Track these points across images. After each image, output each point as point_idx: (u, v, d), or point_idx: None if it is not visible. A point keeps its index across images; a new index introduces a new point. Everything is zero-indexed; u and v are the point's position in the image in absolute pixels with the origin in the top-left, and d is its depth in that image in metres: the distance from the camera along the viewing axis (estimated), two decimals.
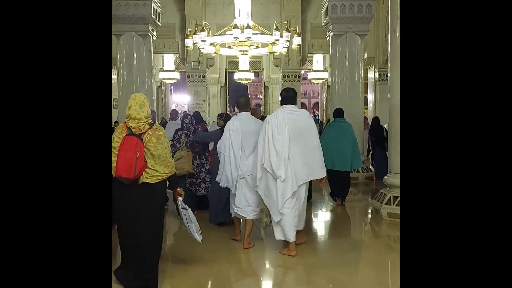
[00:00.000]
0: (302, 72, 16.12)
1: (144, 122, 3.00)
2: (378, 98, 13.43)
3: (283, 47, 10.54)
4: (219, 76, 17.99)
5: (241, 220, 4.52)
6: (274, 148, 3.85)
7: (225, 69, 18.04)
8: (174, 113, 8.97)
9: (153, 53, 15.15)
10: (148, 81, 9.32)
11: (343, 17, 8.61)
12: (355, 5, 8.59)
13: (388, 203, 5.48)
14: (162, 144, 3.01)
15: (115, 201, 2.93)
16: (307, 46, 13.72)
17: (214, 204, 5.26)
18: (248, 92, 33.04)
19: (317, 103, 30.51)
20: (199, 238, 3.40)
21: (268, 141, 3.88)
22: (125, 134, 2.97)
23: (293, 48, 10.96)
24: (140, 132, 2.96)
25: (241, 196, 4.21)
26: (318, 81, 16.65)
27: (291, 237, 4.00)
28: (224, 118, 5.64)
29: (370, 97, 14.40)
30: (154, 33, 9.30)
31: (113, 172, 2.92)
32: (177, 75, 16.47)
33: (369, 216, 6.30)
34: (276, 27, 9.88)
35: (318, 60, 15.83)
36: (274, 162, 3.83)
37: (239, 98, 4.57)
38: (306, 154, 3.95)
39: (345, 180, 6.60)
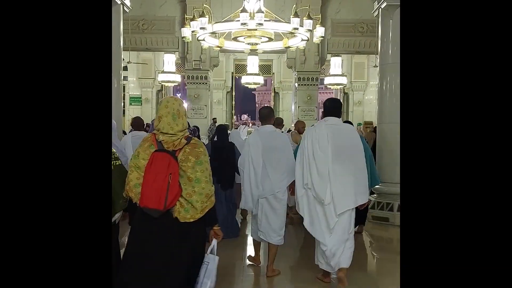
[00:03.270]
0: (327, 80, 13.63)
1: (181, 136, 2.26)
2: None
3: (302, 40, 8.13)
4: (225, 80, 15.69)
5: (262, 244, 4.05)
6: (316, 166, 3.33)
7: (232, 72, 15.76)
8: (137, 122, 5.59)
9: (149, 50, 13.09)
10: (115, 80, 5.95)
11: None
12: None
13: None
14: (201, 164, 2.26)
15: (132, 236, 2.28)
16: (326, 45, 11.28)
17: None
18: (256, 100, 30.49)
19: None
20: None
21: (308, 158, 3.37)
22: (154, 150, 2.23)
23: (314, 41, 8.57)
24: (175, 149, 2.23)
25: (263, 219, 3.76)
26: (335, 87, 14.18)
27: (336, 266, 3.38)
28: (215, 133, 5.19)
29: None
30: (127, 2, 6.42)
31: (134, 199, 2.23)
32: (178, 78, 14.13)
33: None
34: (295, 12, 7.48)
35: (336, 64, 13.36)
36: (316, 183, 3.32)
37: (261, 109, 4.08)
38: (349, 177, 3.34)
39: None
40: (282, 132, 6.34)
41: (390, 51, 6.01)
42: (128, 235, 2.36)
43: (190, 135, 2.35)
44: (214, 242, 2.38)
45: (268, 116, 3.90)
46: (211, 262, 2.31)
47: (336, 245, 3.32)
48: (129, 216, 3.49)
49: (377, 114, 6.23)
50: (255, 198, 3.75)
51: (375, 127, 9.79)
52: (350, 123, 5.54)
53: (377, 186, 5.81)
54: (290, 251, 4.58)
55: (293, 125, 11.81)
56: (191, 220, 2.21)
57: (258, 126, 5.89)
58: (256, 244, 4.02)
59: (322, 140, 3.33)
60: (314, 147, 3.34)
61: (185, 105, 15.67)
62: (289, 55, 11.23)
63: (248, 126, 14.77)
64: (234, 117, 18.22)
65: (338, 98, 16.37)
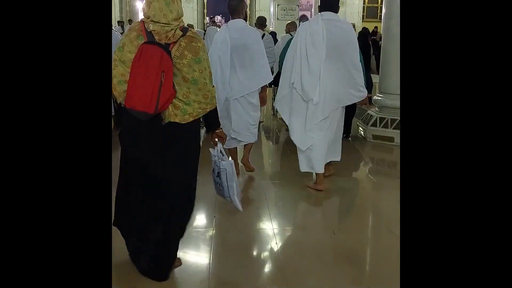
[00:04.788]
0: None
1: (175, 26, 1.86)
2: None
3: None
4: None
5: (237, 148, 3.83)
6: (308, 64, 3.11)
7: None
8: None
9: None
10: None
11: None
12: None
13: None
14: (200, 62, 1.88)
15: (123, 142, 2.00)
16: None
17: None
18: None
19: (304, 16, 24.70)
20: (239, 205, 2.25)
21: (300, 55, 3.13)
22: (143, 41, 1.84)
23: None
24: (168, 42, 1.84)
25: (238, 120, 3.53)
26: None
27: (319, 168, 3.32)
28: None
29: None
30: None
31: (118, 98, 1.94)
32: None
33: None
34: None
35: None
36: (305, 81, 3.12)
37: (230, 1, 3.47)
38: (343, 75, 3.15)
39: None
40: (264, 34, 5.66)
41: None
42: (120, 144, 2.04)
43: (186, 26, 1.95)
44: (219, 145, 2.16)
45: (237, 8, 3.41)
46: (227, 167, 2.15)
47: (320, 145, 3.25)
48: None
49: (384, 9, 5.08)
50: (221, 100, 3.42)
51: (364, 28, 8.77)
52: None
53: (379, 98, 5.05)
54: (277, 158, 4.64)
55: (271, 28, 10.50)
56: (191, 120, 1.93)
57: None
58: (232, 151, 3.74)
59: (316, 36, 3.08)
60: (307, 43, 3.09)
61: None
62: None
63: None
64: (207, 18, 16.48)
65: None
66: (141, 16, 13.98)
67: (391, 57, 4.81)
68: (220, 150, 2.16)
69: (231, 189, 2.18)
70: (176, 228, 2.09)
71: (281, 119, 5.89)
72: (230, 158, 3.76)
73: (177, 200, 2.04)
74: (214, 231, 2.66)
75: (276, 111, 6.38)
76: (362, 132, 5.17)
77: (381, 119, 4.94)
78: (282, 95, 3.29)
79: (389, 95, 4.86)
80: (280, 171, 4.14)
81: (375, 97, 5.14)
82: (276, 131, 5.73)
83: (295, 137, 3.28)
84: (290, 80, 3.17)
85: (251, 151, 3.78)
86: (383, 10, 5.09)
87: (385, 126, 4.88)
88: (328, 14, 3.14)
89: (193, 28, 8.52)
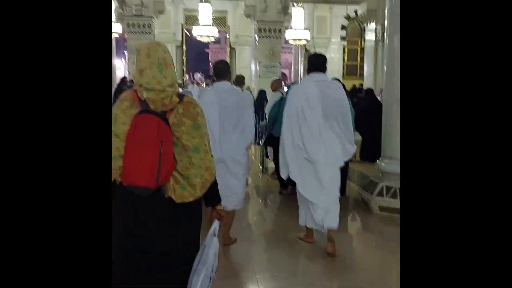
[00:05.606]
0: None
1: (171, 92, 1.74)
2: (381, 67, 9.08)
3: None
4: (174, 33, 13.56)
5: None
6: (307, 125, 3.17)
7: (182, 24, 13.62)
8: None
9: None
10: None
11: None
12: None
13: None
14: (199, 129, 1.77)
15: (117, 223, 1.74)
16: None
17: None
18: (209, 59, 28.21)
19: (283, 73, 24.63)
20: None
21: (297, 116, 3.19)
22: (137, 110, 1.71)
23: None
24: (164, 110, 1.73)
25: (223, 184, 2.94)
26: (297, 42, 12.51)
27: (332, 224, 3.26)
28: None
29: (368, 67, 10.51)
30: None
31: (114, 176, 1.73)
32: (119, 28, 11.89)
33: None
34: None
35: (298, 16, 11.64)
36: (308, 143, 3.18)
37: (216, 63, 3.53)
38: (339, 132, 3.24)
39: None
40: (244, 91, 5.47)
41: None
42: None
43: (182, 92, 1.82)
44: (216, 224, 1.90)
45: (224, 71, 3.42)
46: (208, 245, 1.84)
47: (328, 202, 3.24)
48: None
49: (386, 64, 4.68)
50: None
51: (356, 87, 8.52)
52: (338, 80, 4.57)
53: (385, 165, 4.53)
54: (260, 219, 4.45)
55: (252, 85, 10.18)
56: (190, 199, 1.75)
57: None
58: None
59: (311, 97, 3.16)
60: (304, 105, 3.16)
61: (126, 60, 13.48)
62: (248, 2, 9.43)
63: (200, 85, 12.93)
64: (186, 75, 16.26)
65: (299, 56, 14.78)
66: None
67: (392, 118, 4.35)
68: (215, 228, 1.87)
69: (197, 274, 1.78)
70: None
71: (272, 175, 5.57)
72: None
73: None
74: None
75: (266, 169, 6.20)
76: (365, 202, 4.56)
77: (388, 188, 4.34)
78: (287, 158, 3.24)
79: (396, 160, 4.24)
80: (271, 233, 3.95)
81: (378, 162, 4.65)
82: (264, 189, 5.43)
83: (306, 191, 3.24)
84: (294, 141, 3.19)
85: (233, 221, 3.50)
86: (385, 68, 4.72)
87: (393, 196, 4.27)
88: (317, 75, 3.21)
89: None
